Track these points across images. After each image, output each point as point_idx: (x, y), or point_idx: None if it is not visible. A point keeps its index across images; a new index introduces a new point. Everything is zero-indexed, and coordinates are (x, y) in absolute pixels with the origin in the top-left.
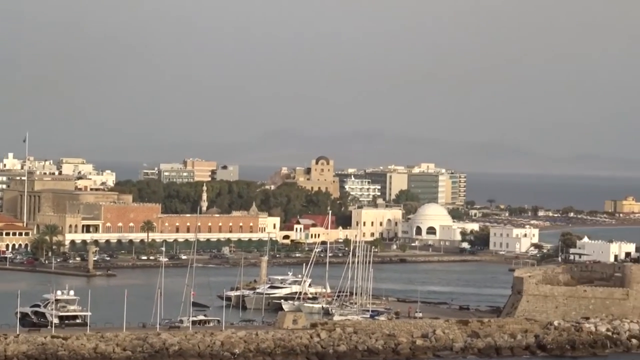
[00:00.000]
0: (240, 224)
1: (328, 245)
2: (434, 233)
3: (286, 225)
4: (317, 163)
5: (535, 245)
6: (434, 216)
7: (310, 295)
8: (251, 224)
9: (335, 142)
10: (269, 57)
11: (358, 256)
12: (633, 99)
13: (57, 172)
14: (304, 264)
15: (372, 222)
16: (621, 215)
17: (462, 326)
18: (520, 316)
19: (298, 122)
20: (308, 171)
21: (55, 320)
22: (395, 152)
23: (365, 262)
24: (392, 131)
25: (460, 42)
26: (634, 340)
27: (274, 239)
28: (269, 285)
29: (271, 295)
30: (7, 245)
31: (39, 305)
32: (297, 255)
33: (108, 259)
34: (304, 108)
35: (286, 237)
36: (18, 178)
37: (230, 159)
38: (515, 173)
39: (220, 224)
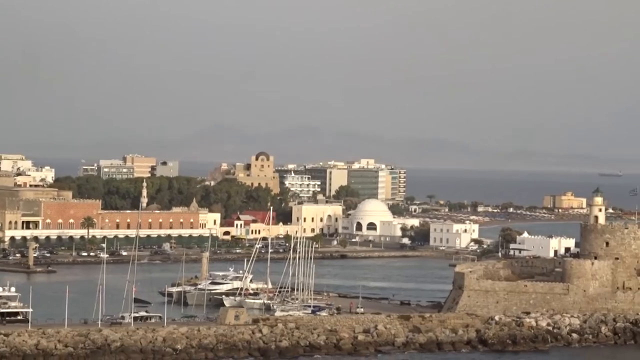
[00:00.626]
0: (181, 220)
1: (269, 241)
2: (375, 229)
3: (227, 221)
4: (257, 159)
5: (475, 241)
6: (375, 212)
7: (251, 291)
8: (191, 220)
9: (275, 138)
10: (207, 53)
11: (299, 252)
12: (571, 95)
13: None
14: (245, 260)
15: (313, 218)
16: (560, 210)
17: (403, 321)
18: (462, 311)
19: (237, 118)
20: (248, 167)
21: None
22: (335, 148)
23: (307, 258)
24: (331, 127)
25: (400, 38)
26: (574, 335)
27: (214, 235)
28: (210, 281)
29: (212, 291)
30: None
31: None
32: (237, 251)
33: (48, 255)
34: (243, 104)
35: (227, 233)
36: None
37: (169, 155)
38: (454, 169)
39: (160, 220)
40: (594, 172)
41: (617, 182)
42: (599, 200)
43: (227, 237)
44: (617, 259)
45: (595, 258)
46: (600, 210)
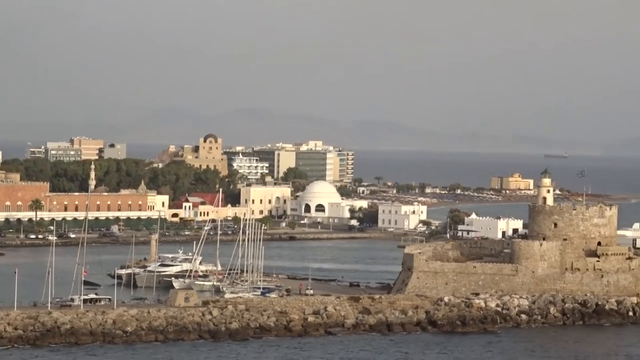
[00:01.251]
0: (129, 203)
1: (219, 223)
2: (323, 210)
3: (175, 203)
4: (205, 141)
5: (424, 222)
6: (323, 194)
7: (201, 273)
8: (140, 203)
9: (223, 119)
10: (153, 35)
11: (248, 234)
12: (518, 77)
13: None
14: (194, 242)
15: (261, 200)
16: (507, 191)
17: (353, 303)
18: (411, 292)
19: (184, 100)
20: (196, 149)
21: None
22: (283, 130)
23: (256, 240)
24: (279, 109)
25: (349, 20)
26: (523, 316)
27: (162, 217)
28: (159, 264)
29: (162, 274)
30: None
31: None
32: (186, 233)
33: None
34: (190, 86)
35: (175, 215)
36: None
37: (117, 137)
38: (402, 150)
39: (108, 203)
40: (540, 153)
41: (563, 164)
42: (547, 181)
43: (176, 219)
44: (565, 240)
45: (544, 239)
46: (548, 191)
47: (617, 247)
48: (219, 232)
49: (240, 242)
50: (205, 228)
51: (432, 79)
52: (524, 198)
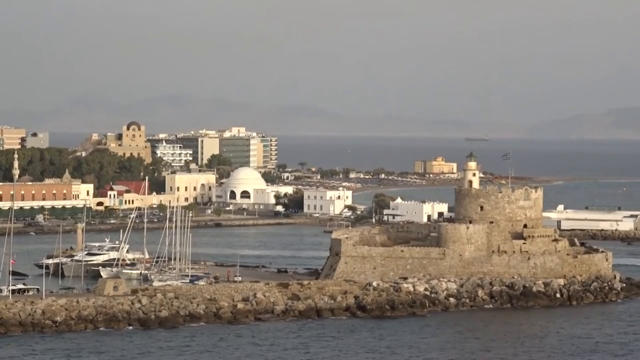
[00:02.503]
0: (54, 192)
1: (146, 211)
2: (248, 197)
3: (100, 191)
4: (128, 129)
5: (349, 207)
6: (248, 180)
7: (128, 262)
8: (64, 192)
9: (145, 107)
10: (75, 20)
11: (175, 221)
12: (438, 61)
13: None
14: (121, 231)
15: (186, 187)
16: (431, 175)
17: (282, 289)
18: (339, 278)
19: (105, 88)
20: (119, 137)
21: None
22: (205, 117)
23: (183, 227)
24: (200, 96)
25: (270, 10)
26: (451, 299)
27: (88, 205)
28: (86, 253)
29: (89, 262)
30: None
31: None
32: (112, 221)
33: None
34: (110, 73)
35: (100, 203)
36: None
37: (39, 126)
38: (324, 135)
39: (33, 192)
40: (461, 137)
41: (484, 147)
42: (472, 164)
43: (101, 208)
44: (491, 222)
45: (470, 222)
46: (474, 174)
47: (543, 229)
48: (146, 220)
49: (168, 230)
50: (133, 216)
51: (353, 63)
52: (447, 182)
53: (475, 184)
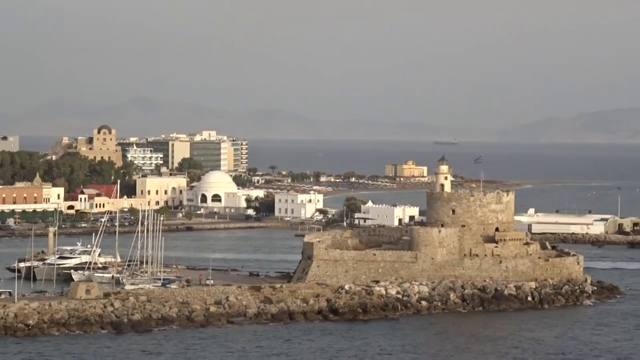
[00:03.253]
0: (24, 195)
1: (118, 215)
2: (219, 200)
3: (70, 195)
4: (99, 132)
5: (320, 211)
6: (219, 183)
7: (100, 265)
8: (35, 195)
9: (115, 111)
10: (47, 24)
11: (147, 225)
12: (408, 66)
13: None
14: (93, 234)
15: (157, 191)
16: (402, 179)
17: (254, 292)
18: (312, 281)
19: (75, 92)
20: (90, 141)
21: None
22: (175, 120)
23: (155, 231)
24: (172, 99)
25: (235, 9)
26: (423, 302)
27: (59, 209)
28: (58, 256)
29: (61, 266)
30: None
31: None
32: (83, 225)
33: None
34: (81, 77)
35: (71, 207)
36: None
37: (8, 129)
38: (294, 139)
39: (3, 196)
40: (430, 140)
41: (453, 150)
42: (444, 168)
43: (72, 212)
44: (463, 226)
45: (442, 226)
46: (446, 178)
47: (514, 233)
48: (117, 224)
49: (140, 233)
50: (104, 220)
51: (322, 67)
52: (418, 185)
53: (447, 188)
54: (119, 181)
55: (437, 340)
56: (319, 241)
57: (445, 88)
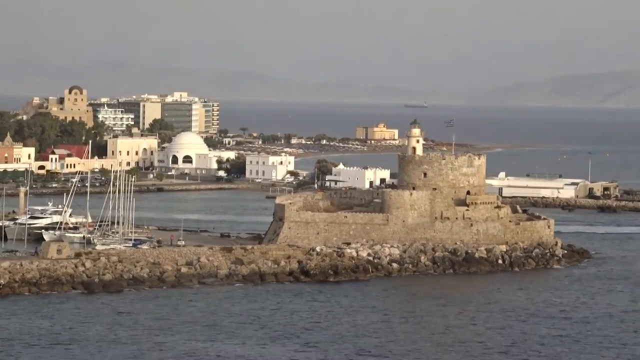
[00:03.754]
0: None
1: (89, 175)
2: (191, 162)
3: (41, 155)
4: (70, 93)
5: (291, 173)
6: (190, 145)
7: (71, 225)
8: (6, 155)
9: (86, 71)
10: None
11: (118, 185)
12: (378, 27)
13: None
14: (64, 194)
15: (128, 152)
16: (372, 142)
17: (226, 253)
18: (283, 243)
19: (45, 51)
20: (61, 101)
21: None
22: (147, 82)
23: (126, 192)
24: (142, 60)
25: None
26: (394, 265)
27: (30, 169)
28: (29, 216)
29: (32, 226)
30: None
31: None
32: (53, 185)
33: None
34: (51, 36)
35: (42, 167)
36: None
37: None
38: (264, 101)
39: None
40: (400, 103)
41: (424, 113)
42: (416, 131)
43: (43, 172)
44: (435, 189)
45: (414, 189)
46: (418, 141)
47: (485, 196)
48: (89, 184)
49: (111, 194)
50: (76, 180)
51: (292, 28)
52: (389, 148)
53: (419, 151)
54: (90, 142)
55: (407, 302)
56: (290, 203)
57: (416, 51)
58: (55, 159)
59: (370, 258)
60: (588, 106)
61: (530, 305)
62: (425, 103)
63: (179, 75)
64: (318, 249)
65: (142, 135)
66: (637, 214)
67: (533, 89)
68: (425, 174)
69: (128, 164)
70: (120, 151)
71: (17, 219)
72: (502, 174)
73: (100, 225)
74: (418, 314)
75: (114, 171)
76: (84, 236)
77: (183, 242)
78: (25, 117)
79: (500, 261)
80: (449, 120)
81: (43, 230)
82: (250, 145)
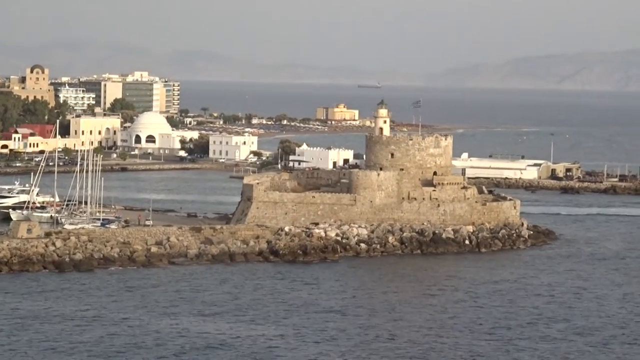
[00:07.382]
0: None
1: (56, 154)
2: (154, 141)
3: (4, 134)
4: (32, 72)
5: (255, 153)
6: (153, 124)
7: (38, 205)
8: None
9: (43, 50)
10: None
11: (85, 165)
12: (337, 6)
13: None
14: (32, 173)
15: (91, 131)
16: (333, 122)
17: (195, 233)
18: (251, 223)
19: (6, 31)
20: (23, 80)
21: None
22: (104, 61)
23: (93, 171)
24: (99, 39)
25: None
26: (362, 245)
27: None
28: None
29: None
30: None
31: None
32: (17, 164)
33: None
34: (7, 16)
35: (4, 146)
36: None
37: None
38: (222, 81)
39: None
40: (354, 84)
41: (377, 94)
42: (383, 112)
43: (5, 151)
44: (402, 169)
45: (381, 169)
46: (385, 122)
47: (452, 177)
48: (56, 163)
49: (78, 173)
50: (41, 159)
51: (250, 7)
52: (350, 128)
53: (386, 131)
54: (57, 121)
55: (375, 282)
56: (258, 183)
57: (372, 31)
58: (19, 138)
59: (339, 238)
60: (545, 87)
61: (497, 285)
62: (379, 84)
63: (135, 54)
64: (287, 229)
65: (104, 114)
66: (599, 195)
67: (490, 71)
68: (392, 155)
69: (91, 143)
70: (83, 131)
71: None
72: (464, 155)
73: (67, 205)
74: (385, 293)
75: (80, 150)
76: (51, 216)
77: (151, 222)
78: None
79: (467, 242)
80: (416, 101)
81: (10, 210)
82: (211, 125)
